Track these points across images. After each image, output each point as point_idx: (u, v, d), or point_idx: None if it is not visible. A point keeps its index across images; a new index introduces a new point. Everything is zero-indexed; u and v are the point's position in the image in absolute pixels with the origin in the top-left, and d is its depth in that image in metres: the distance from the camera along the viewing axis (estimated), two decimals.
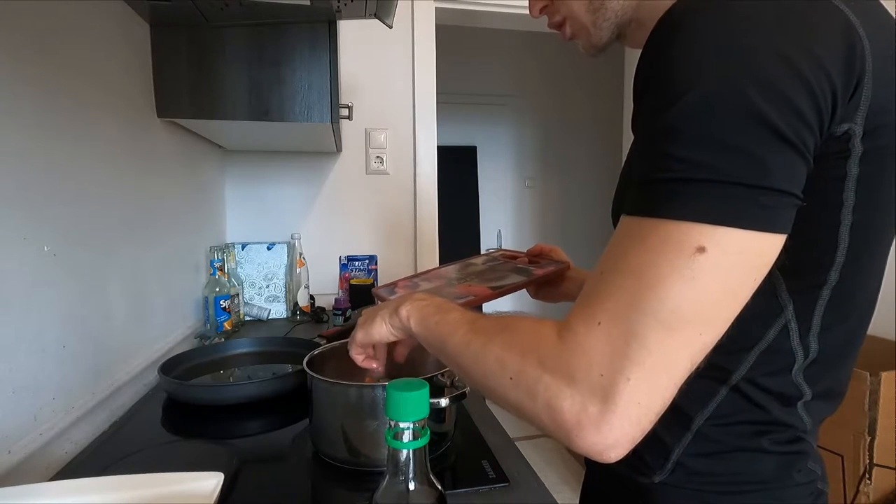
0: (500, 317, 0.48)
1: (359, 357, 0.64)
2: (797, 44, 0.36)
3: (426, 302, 0.56)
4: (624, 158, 2.17)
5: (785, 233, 0.37)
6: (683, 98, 0.36)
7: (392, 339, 0.60)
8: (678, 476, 0.49)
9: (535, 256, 0.89)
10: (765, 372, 0.46)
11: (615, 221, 0.54)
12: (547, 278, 0.84)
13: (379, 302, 0.81)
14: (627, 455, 0.38)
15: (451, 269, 0.89)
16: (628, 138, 2.21)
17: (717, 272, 0.35)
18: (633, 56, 2.14)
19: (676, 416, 0.39)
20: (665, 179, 0.37)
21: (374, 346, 0.63)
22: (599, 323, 0.37)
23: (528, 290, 0.87)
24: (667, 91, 0.38)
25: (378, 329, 0.59)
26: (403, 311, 0.56)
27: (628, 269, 0.38)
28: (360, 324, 0.62)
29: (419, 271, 0.93)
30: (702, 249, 0.35)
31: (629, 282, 0.37)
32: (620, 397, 0.36)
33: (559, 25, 0.59)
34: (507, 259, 0.91)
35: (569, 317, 0.40)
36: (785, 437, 0.48)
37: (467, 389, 0.65)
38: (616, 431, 0.36)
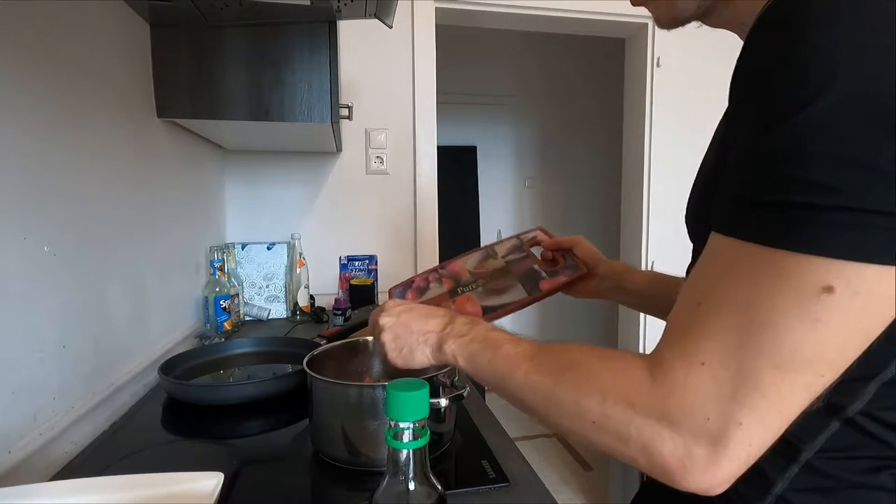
0: (562, 349, 0.45)
1: None
2: None
3: (469, 337, 0.53)
4: (624, 158, 2.15)
5: None
6: (810, 107, 0.31)
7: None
8: None
9: (556, 252, 0.84)
10: (886, 405, 0.40)
11: (693, 227, 0.50)
12: (553, 293, 0.79)
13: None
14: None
15: (470, 262, 0.86)
16: (629, 138, 2.22)
17: (846, 314, 0.31)
18: (634, 55, 2.14)
19: (782, 446, 0.36)
20: (784, 204, 0.32)
21: None
22: (703, 363, 0.34)
23: None
24: (787, 98, 0.32)
25: (419, 361, 0.57)
26: (448, 351, 0.54)
27: (736, 304, 0.34)
28: (393, 349, 0.58)
29: (441, 263, 0.89)
30: (829, 289, 0.31)
31: (738, 320, 0.34)
32: (731, 441, 0.34)
33: None
34: (531, 245, 0.86)
35: (662, 354, 0.37)
36: None
37: (467, 390, 0.65)
38: (724, 472, 0.35)
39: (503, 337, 0.51)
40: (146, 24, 1.10)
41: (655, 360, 0.37)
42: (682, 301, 0.38)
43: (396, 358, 0.59)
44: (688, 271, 0.56)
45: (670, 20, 0.51)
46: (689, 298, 0.37)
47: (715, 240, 0.37)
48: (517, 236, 0.91)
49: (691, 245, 0.58)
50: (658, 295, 0.75)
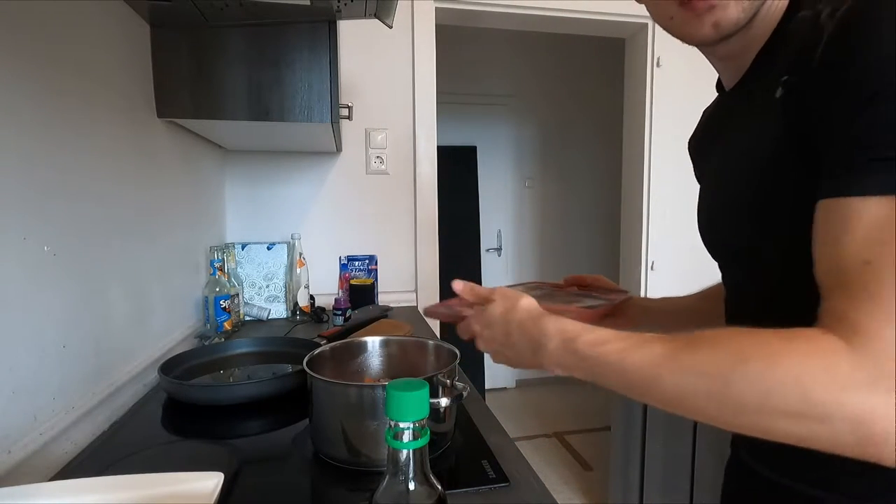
0: (716, 342, 0.41)
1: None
2: None
3: (576, 357, 0.50)
4: (624, 158, 2.16)
5: None
6: None
7: None
8: None
9: (583, 287, 0.81)
10: None
11: (743, 216, 0.51)
12: (619, 305, 0.77)
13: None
14: (854, 482, 0.36)
15: None
16: (629, 138, 2.22)
17: None
18: (634, 55, 2.14)
19: None
20: None
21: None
22: None
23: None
24: (890, 82, 0.37)
25: (528, 367, 0.58)
26: (559, 368, 0.52)
27: None
28: (501, 357, 0.59)
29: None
30: None
31: None
32: None
33: None
34: (554, 287, 0.82)
35: (852, 320, 0.37)
36: None
37: (467, 389, 0.65)
38: None
39: (617, 348, 0.46)
40: (146, 24, 1.10)
41: (847, 328, 0.36)
42: (838, 265, 0.39)
43: (502, 361, 0.60)
44: (724, 281, 0.60)
45: (727, 24, 0.49)
46: (848, 261, 0.38)
47: (847, 203, 0.38)
48: (521, 284, 0.83)
49: (696, 241, 0.59)
50: (677, 306, 0.78)
